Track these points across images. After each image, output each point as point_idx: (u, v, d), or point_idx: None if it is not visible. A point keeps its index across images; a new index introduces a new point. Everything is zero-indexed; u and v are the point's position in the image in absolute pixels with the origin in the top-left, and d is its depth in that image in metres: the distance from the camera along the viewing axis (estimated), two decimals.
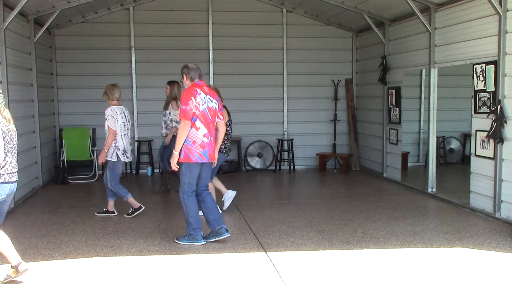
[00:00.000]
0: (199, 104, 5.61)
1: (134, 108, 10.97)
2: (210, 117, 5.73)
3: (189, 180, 5.73)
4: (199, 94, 5.65)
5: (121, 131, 7.00)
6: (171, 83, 8.52)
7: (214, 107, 5.79)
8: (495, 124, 6.71)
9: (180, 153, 5.65)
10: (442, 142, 11.61)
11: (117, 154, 7.01)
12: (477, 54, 7.22)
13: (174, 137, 8.18)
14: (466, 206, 7.48)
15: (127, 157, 7.13)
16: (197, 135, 5.63)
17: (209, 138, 5.71)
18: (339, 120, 11.68)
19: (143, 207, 7.18)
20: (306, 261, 5.26)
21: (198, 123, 5.62)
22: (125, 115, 7.12)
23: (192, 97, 5.59)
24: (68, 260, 5.34)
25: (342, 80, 11.74)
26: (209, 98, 5.75)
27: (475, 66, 7.23)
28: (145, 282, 4.72)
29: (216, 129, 5.92)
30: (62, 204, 8.06)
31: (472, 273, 4.91)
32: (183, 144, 5.61)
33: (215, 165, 6.12)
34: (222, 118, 5.94)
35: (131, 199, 7.13)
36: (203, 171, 5.83)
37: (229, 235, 5.93)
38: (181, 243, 5.85)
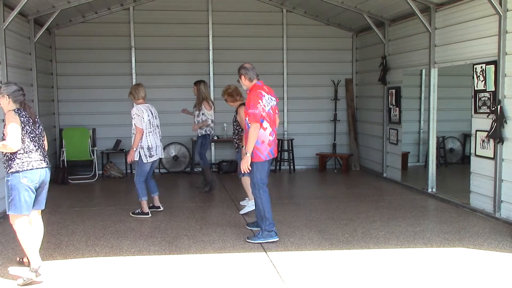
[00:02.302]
0: (265, 106, 5.86)
1: None
2: (273, 116, 6.00)
3: (261, 176, 5.97)
4: (264, 96, 5.90)
5: (146, 129, 7.08)
6: (197, 83, 8.78)
7: (275, 105, 6.07)
8: (495, 124, 6.71)
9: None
10: (442, 142, 11.61)
11: (139, 154, 7.09)
12: (477, 54, 7.22)
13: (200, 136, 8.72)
14: (466, 206, 7.49)
15: (150, 156, 7.13)
16: (265, 135, 5.88)
17: (273, 135, 6.01)
18: (339, 120, 11.68)
19: (150, 215, 7.20)
20: (306, 261, 5.26)
21: (265, 124, 5.87)
22: (151, 113, 7.21)
23: (260, 100, 5.83)
24: (68, 260, 5.34)
25: (342, 80, 11.74)
26: (270, 98, 6.00)
27: (475, 66, 7.23)
28: (145, 282, 4.72)
29: None
30: (62, 204, 8.06)
31: (472, 273, 4.91)
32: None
33: None
34: (278, 112, 6.20)
35: (145, 203, 7.22)
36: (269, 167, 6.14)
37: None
38: (255, 242, 5.90)
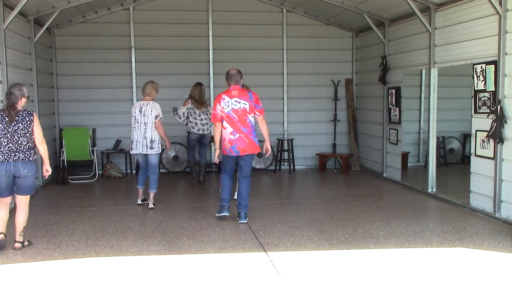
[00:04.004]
0: (223, 108, 6.65)
1: None
2: (237, 117, 6.65)
3: (223, 166, 6.99)
4: (223, 99, 6.69)
5: (132, 125, 7.70)
6: (194, 84, 9.56)
7: (242, 108, 6.67)
8: (495, 124, 6.71)
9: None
10: (442, 142, 11.61)
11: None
12: (477, 54, 7.22)
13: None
14: (466, 206, 7.49)
15: (132, 149, 7.76)
16: (225, 133, 6.70)
17: (237, 134, 6.66)
18: (339, 120, 11.68)
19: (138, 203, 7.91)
20: (306, 261, 5.26)
21: (225, 124, 6.69)
22: (140, 110, 7.64)
23: (217, 103, 6.70)
24: (68, 260, 5.34)
25: (342, 80, 11.74)
26: (235, 101, 6.68)
27: (475, 66, 7.23)
28: (145, 282, 4.72)
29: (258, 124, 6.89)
30: (62, 204, 8.06)
31: (472, 273, 4.91)
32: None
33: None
34: (258, 114, 6.81)
35: (140, 191, 7.89)
36: (242, 162, 6.82)
37: (244, 221, 6.74)
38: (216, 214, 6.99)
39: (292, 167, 11.23)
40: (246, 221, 6.74)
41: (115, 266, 5.19)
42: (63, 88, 10.90)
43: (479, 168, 7.26)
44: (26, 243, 5.72)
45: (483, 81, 7.05)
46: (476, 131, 7.25)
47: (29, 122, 5.54)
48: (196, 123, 9.33)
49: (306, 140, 11.71)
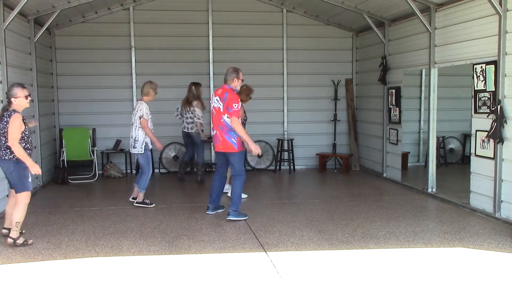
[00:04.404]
0: (211, 104, 7.10)
1: None
2: (215, 114, 6.94)
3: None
4: (213, 96, 7.09)
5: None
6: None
7: (217, 107, 6.88)
8: (495, 124, 6.71)
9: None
10: (442, 142, 11.61)
11: None
12: (477, 54, 7.22)
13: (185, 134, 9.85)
14: (466, 206, 7.49)
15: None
16: None
17: (215, 131, 6.97)
18: (339, 120, 11.68)
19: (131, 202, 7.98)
20: (306, 261, 5.26)
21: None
22: (134, 109, 7.90)
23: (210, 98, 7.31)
24: (68, 260, 5.34)
25: (342, 80, 11.74)
26: (216, 99, 6.92)
27: (475, 66, 7.23)
28: (145, 282, 4.72)
29: None
30: (62, 204, 8.06)
31: (472, 273, 4.91)
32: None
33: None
34: (230, 116, 6.73)
35: (135, 189, 7.95)
36: (229, 160, 6.97)
37: (231, 218, 6.88)
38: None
39: (292, 167, 11.23)
40: (232, 218, 6.88)
41: (115, 266, 5.19)
42: (63, 88, 10.90)
43: (479, 168, 7.26)
44: (19, 240, 5.71)
45: (483, 81, 7.05)
46: (476, 131, 7.26)
47: (5, 123, 5.68)
48: (183, 121, 9.72)
49: (306, 140, 11.71)
